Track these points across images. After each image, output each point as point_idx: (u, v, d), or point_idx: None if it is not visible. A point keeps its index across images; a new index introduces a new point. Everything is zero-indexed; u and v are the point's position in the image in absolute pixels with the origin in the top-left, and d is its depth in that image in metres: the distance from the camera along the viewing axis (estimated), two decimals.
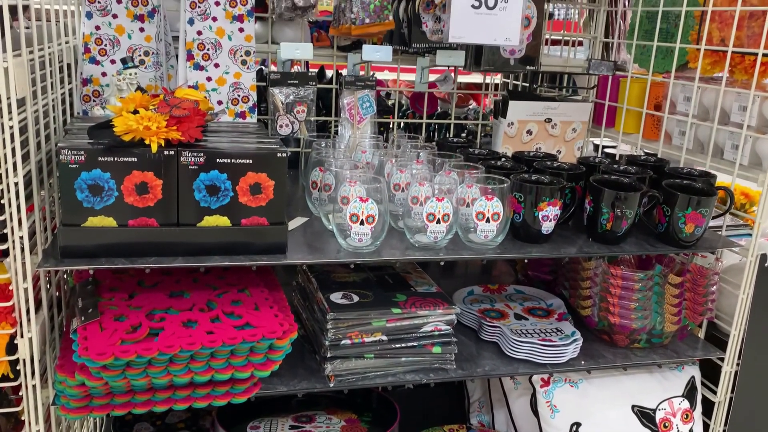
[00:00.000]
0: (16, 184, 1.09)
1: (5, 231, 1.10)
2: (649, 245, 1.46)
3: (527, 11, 1.75)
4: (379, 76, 2.67)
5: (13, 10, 1.09)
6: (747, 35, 1.58)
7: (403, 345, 1.35)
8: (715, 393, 1.61)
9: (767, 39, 1.44)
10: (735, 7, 1.54)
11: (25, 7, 1.15)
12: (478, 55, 1.80)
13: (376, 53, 1.74)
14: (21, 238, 1.12)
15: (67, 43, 1.49)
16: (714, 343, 1.61)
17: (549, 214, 1.38)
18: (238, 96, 1.61)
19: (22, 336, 1.16)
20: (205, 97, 1.55)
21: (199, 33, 1.55)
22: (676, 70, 1.73)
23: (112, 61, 1.54)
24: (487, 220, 1.33)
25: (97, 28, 1.52)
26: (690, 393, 1.59)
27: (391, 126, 2.04)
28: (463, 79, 2.61)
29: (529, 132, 1.89)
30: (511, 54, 1.78)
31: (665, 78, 1.80)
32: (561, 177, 1.45)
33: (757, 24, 1.54)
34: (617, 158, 2.04)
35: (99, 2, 1.52)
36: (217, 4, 1.55)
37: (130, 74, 1.48)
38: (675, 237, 1.44)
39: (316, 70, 2.18)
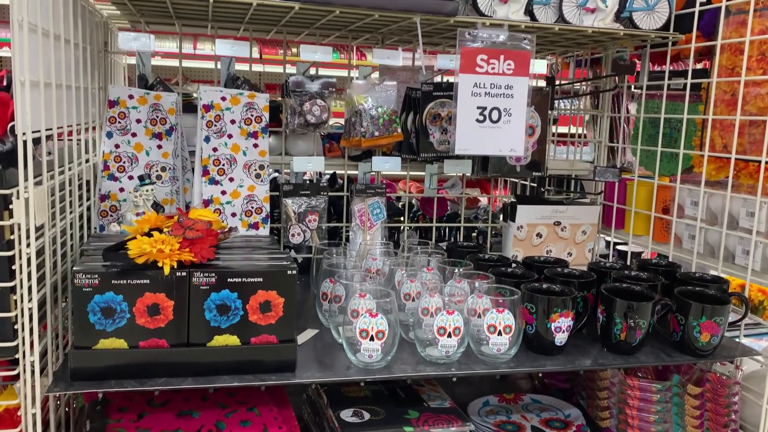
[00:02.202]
0: (30, 309, 1.10)
1: (17, 356, 1.11)
2: (666, 354, 1.43)
3: (531, 120, 1.81)
4: (389, 175, 2.73)
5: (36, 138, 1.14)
6: (749, 141, 1.61)
7: None
8: None
9: None
10: (735, 116, 1.58)
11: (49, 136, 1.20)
12: (484, 163, 1.85)
13: (386, 164, 1.79)
14: (32, 362, 1.12)
15: (87, 161, 1.54)
16: None
17: (562, 326, 1.36)
18: (252, 208, 1.65)
19: None
20: (219, 211, 1.60)
21: (215, 150, 1.61)
22: (681, 173, 1.76)
23: (130, 177, 1.59)
24: (499, 333, 1.32)
25: (117, 146, 1.59)
26: None
27: (402, 228, 2.06)
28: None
29: (539, 235, 1.90)
30: (517, 161, 1.83)
31: (672, 182, 1.83)
32: (572, 285, 1.44)
33: (758, 131, 1.58)
34: (628, 261, 2.04)
35: (119, 122, 1.59)
36: (233, 122, 1.62)
37: (147, 191, 1.52)
38: (691, 346, 1.41)
39: (329, 175, 2.24)
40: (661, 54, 1.86)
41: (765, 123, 1.52)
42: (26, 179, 1.08)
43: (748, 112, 1.58)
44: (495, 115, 1.60)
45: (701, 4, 1.71)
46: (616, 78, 2.03)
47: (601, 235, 2.21)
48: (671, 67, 1.82)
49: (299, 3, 1.43)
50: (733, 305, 1.53)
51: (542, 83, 2.17)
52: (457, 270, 1.51)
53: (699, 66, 1.90)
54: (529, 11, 1.64)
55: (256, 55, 1.96)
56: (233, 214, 1.63)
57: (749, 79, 1.56)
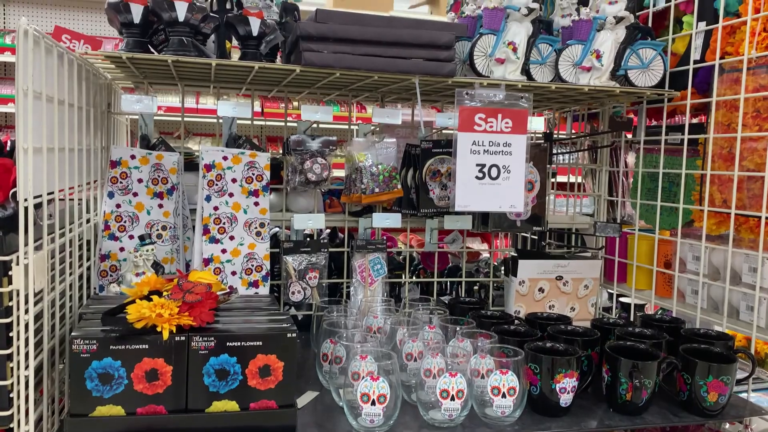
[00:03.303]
0: (26, 377, 1.09)
1: (11, 425, 1.09)
2: (673, 415, 1.41)
3: (530, 176, 1.82)
4: (390, 228, 2.72)
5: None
6: (748, 196, 1.61)
7: None
8: None
9: None
10: (733, 172, 1.59)
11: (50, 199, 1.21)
12: (485, 218, 1.85)
13: (386, 220, 1.79)
14: None
15: (88, 221, 1.55)
16: None
17: (566, 386, 1.34)
18: (252, 266, 1.64)
19: None
20: (219, 270, 1.59)
21: (216, 208, 1.61)
22: (682, 226, 1.76)
23: (131, 237, 1.59)
24: (503, 395, 1.30)
25: (118, 206, 1.60)
26: None
27: (403, 283, 2.05)
28: None
29: (541, 290, 1.89)
30: (517, 216, 1.83)
31: (672, 236, 1.82)
32: (576, 344, 1.43)
33: (757, 186, 1.58)
34: (632, 314, 2.03)
35: (121, 182, 1.60)
36: (234, 181, 1.63)
37: (147, 251, 1.52)
38: (699, 406, 1.39)
39: (329, 230, 2.24)
40: (657, 109, 1.88)
41: (763, 178, 1.53)
42: (26, 244, 1.08)
43: (746, 168, 1.59)
44: (494, 172, 1.61)
45: (695, 62, 1.74)
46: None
47: (605, 287, 2.20)
48: (668, 122, 1.84)
49: (300, 66, 1.46)
50: (740, 359, 1.51)
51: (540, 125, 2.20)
52: (459, 328, 1.50)
53: (695, 120, 1.93)
54: (525, 71, 1.67)
55: (257, 108, 1.98)
56: (233, 273, 1.63)
57: (745, 136, 1.58)
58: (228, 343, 1.17)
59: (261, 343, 1.19)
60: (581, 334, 1.52)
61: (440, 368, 1.30)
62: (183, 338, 1.15)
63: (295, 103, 3.67)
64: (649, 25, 1.86)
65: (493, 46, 1.64)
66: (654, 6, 1.86)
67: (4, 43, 4.17)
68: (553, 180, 2.29)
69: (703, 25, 1.72)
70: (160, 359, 1.14)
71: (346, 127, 1.94)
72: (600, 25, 1.70)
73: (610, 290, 2.20)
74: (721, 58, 1.66)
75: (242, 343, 1.18)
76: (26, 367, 1.09)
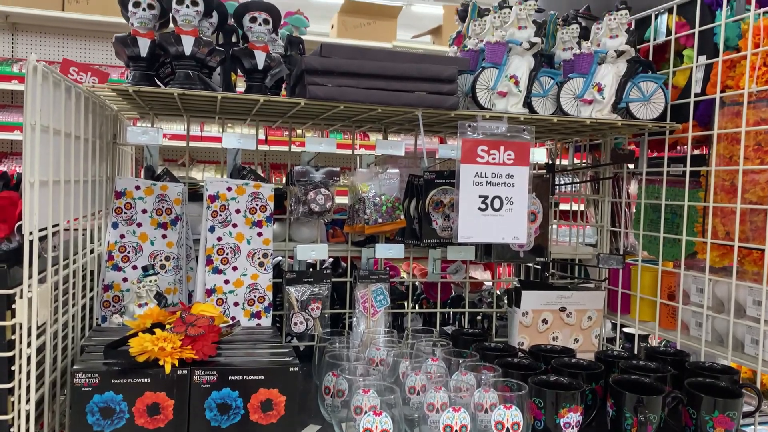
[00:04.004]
0: (27, 411, 1.08)
1: None
2: None
3: (532, 207, 1.82)
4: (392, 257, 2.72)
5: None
6: (751, 229, 1.61)
7: None
8: None
9: None
10: (735, 205, 1.59)
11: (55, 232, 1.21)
12: (488, 248, 1.85)
13: (389, 251, 1.79)
14: None
15: (92, 252, 1.55)
16: None
17: (571, 421, 1.33)
18: (255, 297, 1.64)
19: None
20: (221, 301, 1.59)
21: (219, 239, 1.61)
22: (686, 258, 1.76)
23: (134, 267, 1.59)
24: (507, 431, 1.28)
25: (122, 236, 1.60)
26: None
27: (406, 313, 2.04)
28: None
29: (545, 321, 1.88)
30: (520, 247, 1.83)
31: (675, 267, 1.82)
32: (580, 377, 1.42)
33: (759, 218, 1.58)
34: (635, 345, 2.01)
35: (125, 213, 1.61)
36: (238, 211, 1.63)
37: (150, 281, 1.52)
38: None
39: (332, 259, 2.24)
40: (659, 141, 1.89)
41: (766, 211, 1.53)
42: (30, 277, 1.08)
43: (748, 200, 1.59)
44: (497, 203, 1.62)
45: (696, 95, 1.75)
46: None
47: (608, 318, 2.18)
48: (669, 153, 1.85)
49: (305, 99, 1.47)
50: (746, 392, 1.49)
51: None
52: (462, 361, 1.49)
53: (697, 152, 1.93)
54: (527, 103, 1.69)
55: (261, 136, 2.00)
56: (236, 304, 1.63)
57: (747, 169, 1.58)
58: (230, 377, 1.17)
59: (263, 377, 1.18)
60: (585, 367, 1.51)
61: (443, 402, 1.29)
62: (185, 372, 1.15)
63: (299, 131, 3.70)
64: (650, 58, 1.88)
65: (496, 80, 1.65)
66: (654, 40, 1.88)
67: (11, 72, 4.21)
68: (555, 209, 2.29)
69: (703, 59, 1.73)
70: (161, 393, 1.14)
71: (350, 152, 1.95)
72: (601, 59, 1.72)
73: (613, 321, 2.19)
74: (722, 91, 1.67)
75: (244, 377, 1.17)
76: (27, 401, 1.09)
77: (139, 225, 1.62)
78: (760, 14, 1.58)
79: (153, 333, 1.17)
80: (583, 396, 1.37)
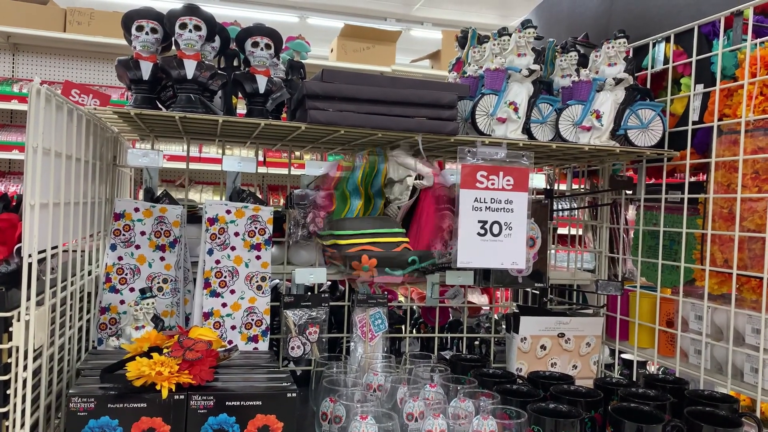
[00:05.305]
0: None
1: None
2: None
3: (531, 232, 1.83)
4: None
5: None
6: (749, 257, 1.62)
7: None
8: None
9: None
10: (734, 232, 1.60)
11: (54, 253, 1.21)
12: (486, 273, 1.85)
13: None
14: None
15: (89, 273, 1.54)
16: None
17: None
18: (252, 320, 1.63)
19: None
20: (218, 324, 1.58)
21: (218, 262, 1.61)
22: (684, 285, 1.76)
23: (131, 289, 1.59)
24: None
25: (120, 258, 1.59)
26: None
27: (403, 338, 2.03)
28: None
29: (543, 347, 1.88)
30: (519, 272, 1.83)
31: (674, 294, 1.82)
32: (579, 405, 1.41)
33: (758, 246, 1.59)
34: (634, 371, 2.00)
35: (124, 234, 1.60)
36: (237, 234, 1.63)
37: (147, 304, 1.51)
38: None
39: (330, 282, 2.23)
40: (657, 167, 1.90)
41: (764, 239, 1.53)
42: (29, 299, 1.08)
43: (746, 228, 1.59)
44: (496, 228, 1.62)
45: (694, 123, 1.77)
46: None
47: (607, 344, 2.18)
48: (667, 180, 1.86)
49: (306, 124, 1.48)
50: (746, 421, 1.48)
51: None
52: (461, 388, 1.48)
53: (694, 179, 1.94)
54: (526, 129, 1.70)
55: (260, 158, 2.00)
56: (233, 327, 1.62)
57: (745, 197, 1.59)
58: (227, 403, 1.16)
59: (260, 402, 1.17)
60: (584, 394, 1.50)
61: (442, 429, 1.28)
62: (182, 397, 1.14)
63: (298, 153, 3.71)
64: (648, 86, 1.90)
65: (495, 106, 1.67)
66: (652, 68, 1.90)
67: (11, 92, 4.23)
68: (554, 233, 2.29)
69: (700, 88, 1.75)
70: (158, 418, 1.13)
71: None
72: (599, 86, 1.73)
73: (612, 347, 2.18)
74: (719, 119, 1.68)
75: (241, 403, 1.16)
76: (22, 426, 1.08)
77: (138, 247, 1.61)
78: (756, 44, 1.60)
79: (150, 357, 1.16)
80: (582, 424, 1.36)
